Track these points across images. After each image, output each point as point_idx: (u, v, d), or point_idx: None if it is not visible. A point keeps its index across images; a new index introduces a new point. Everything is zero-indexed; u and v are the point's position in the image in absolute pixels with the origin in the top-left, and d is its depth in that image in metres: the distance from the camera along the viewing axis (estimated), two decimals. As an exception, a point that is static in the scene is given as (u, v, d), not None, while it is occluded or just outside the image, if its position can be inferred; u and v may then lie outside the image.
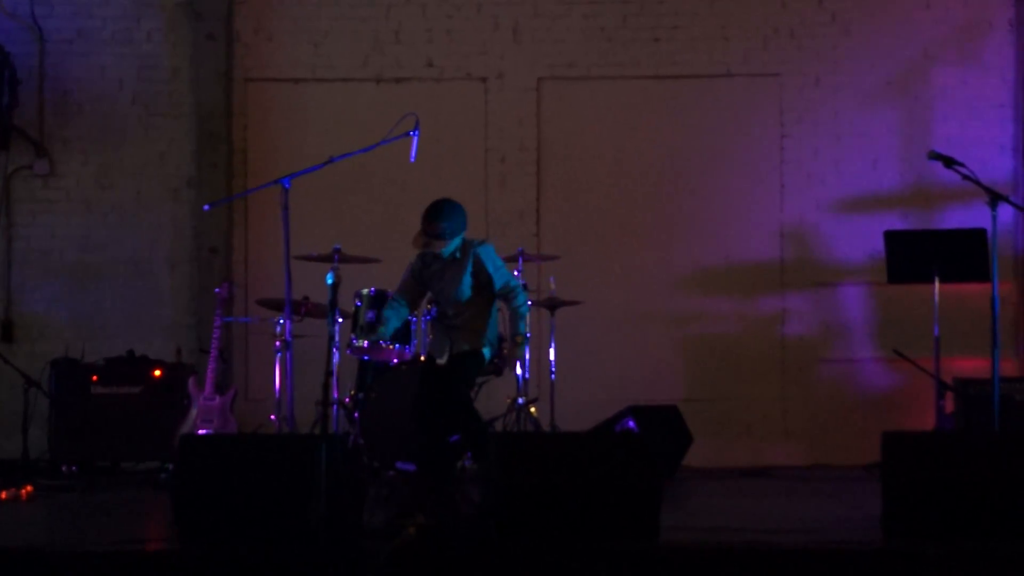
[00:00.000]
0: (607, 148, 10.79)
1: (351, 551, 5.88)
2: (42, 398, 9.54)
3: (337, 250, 8.69)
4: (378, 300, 8.74)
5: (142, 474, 9.32)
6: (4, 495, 7.97)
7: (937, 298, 8.98)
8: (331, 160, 7.74)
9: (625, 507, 6.06)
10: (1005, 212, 9.13)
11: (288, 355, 7.78)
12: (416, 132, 7.83)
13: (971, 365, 9.69)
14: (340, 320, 8.80)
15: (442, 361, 7.67)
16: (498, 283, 7.66)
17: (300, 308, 8.88)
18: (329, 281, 7.11)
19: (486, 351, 7.73)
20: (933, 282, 8.98)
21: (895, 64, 10.70)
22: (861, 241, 10.49)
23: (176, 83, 10.85)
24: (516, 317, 7.71)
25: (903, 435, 6.54)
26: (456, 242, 7.54)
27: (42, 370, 9.61)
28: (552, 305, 9.29)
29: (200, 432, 8.86)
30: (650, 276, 10.69)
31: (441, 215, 7.45)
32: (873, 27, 10.72)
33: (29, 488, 8.13)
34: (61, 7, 10.82)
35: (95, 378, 9.49)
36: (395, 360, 8.90)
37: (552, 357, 9.36)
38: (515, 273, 9.03)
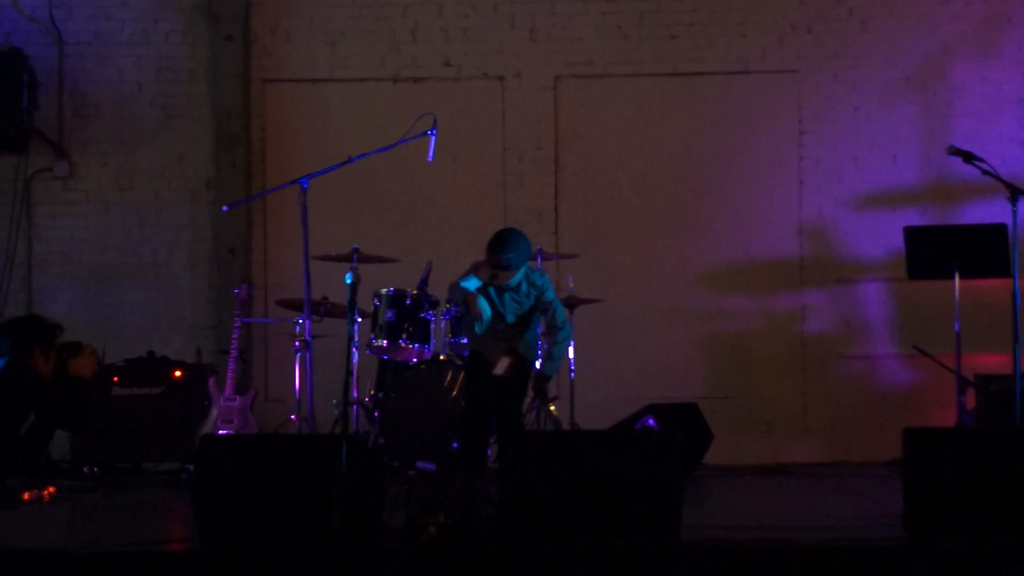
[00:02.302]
0: (625, 146, 10.78)
1: (371, 551, 5.88)
2: (63, 399, 9.56)
3: (356, 250, 8.70)
4: (397, 299, 8.76)
5: (163, 475, 9.34)
6: (27, 496, 7.99)
7: (957, 294, 8.93)
8: (349, 160, 7.74)
9: (646, 505, 6.05)
10: (1025, 207, 9.12)
11: (307, 355, 7.79)
12: (434, 132, 7.83)
13: (992, 361, 9.66)
14: (359, 320, 8.82)
15: (501, 372, 7.59)
16: (553, 318, 7.64)
17: (319, 308, 8.90)
18: (348, 281, 7.10)
19: (535, 361, 7.78)
20: (953, 278, 8.93)
21: (914, 59, 10.67)
22: (880, 237, 10.46)
23: (194, 85, 10.88)
24: (551, 359, 7.69)
25: (924, 431, 6.51)
26: (522, 272, 7.48)
27: (63, 372, 9.63)
28: (571, 304, 9.28)
29: (220, 432, 8.88)
30: (669, 274, 10.68)
31: (507, 246, 7.32)
32: (891, 22, 10.69)
33: (51, 489, 8.14)
34: (79, 10, 10.87)
35: (116, 379, 9.51)
36: (414, 360, 8.92)
37: (571, 355, 9.36)
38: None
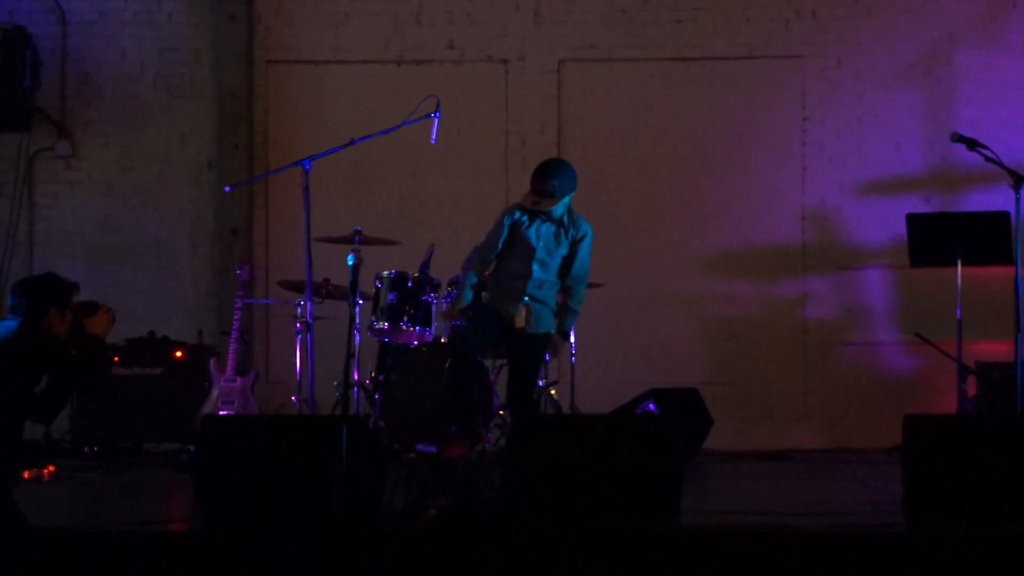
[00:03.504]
0: (628, 130, 10.76)
1: (371, 533, 5.89)
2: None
3: (358, 232, 8.70)
4: (399, 282, 8.76)
5: (163, 455, 9.35)
6: (27, 475, 7.99)
7: (960, 281, 8.92)
8: (352, 142, 7.73)
9: (646, 490, 6.06)
10: (1029, 195, 9.11)
11: (309, 337, 7.79)
12: (437, 114, 7.83)
13: (994, 349, 9.65)
14: (361, 302, 8.82)
15: (522, 324, 7.58)
16: (580, 270, 7.71)
17: (321, 290, 8.90)
18: (350, 263, 7.10)
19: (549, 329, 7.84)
20: (956, 265, 8.92)
21: (918, 46, 10.64)
22: (883, 224, 10.45)
23: (197, 65, 10.86)
24: (570, 313, 7.74)
25: (925, 418, 6.51)
26: (566, 201, 7.47)
27: (64, 351, 9.63)
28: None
29: (221, 413, 8.89)
30: (671, 259, 10.68)
31: (552, 173, 7.37)
32: (896, 8, 10.66)
33: (51, 468, 8.15)
34: (83, -11, 10.85)
35: (116, 359, 9.50)
36: (415, 342, 8.92)
37: (572, 340, 9.36)
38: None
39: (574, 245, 7.62)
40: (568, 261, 7.70)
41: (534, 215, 7.61)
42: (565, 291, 7.80)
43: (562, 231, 7.59)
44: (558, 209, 7.46)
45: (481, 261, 7.80)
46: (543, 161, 7.54)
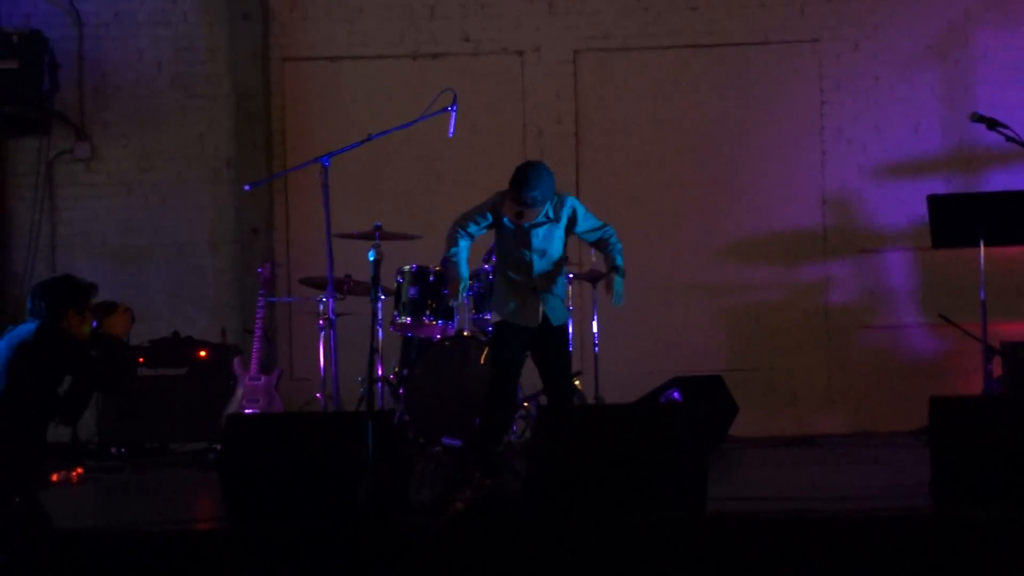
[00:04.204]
0: (645, 119, 10.74)
1: (399, 527, 5.90)
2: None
3: (378, 227, 8.70)
4: (420, 276, 8.77)
5: (190, 454, 9.39)
6: (55, 478, 8.00)
7: (982, 262, 8.87)
8: (370, 137, 7.74)
9: (672, 478, 6.05)
10: (1050, 173, 9.08)
11: (332, 333, 7.80)
12: (454, 107, 7.82)
13: (1018, 329, 9.62)
14: (383, 297, 8.82)
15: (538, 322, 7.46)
16: (598, 231, 7.53)
17: (342, 286, 8.91)
18: (371, 258, 7.11)
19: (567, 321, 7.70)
20: (978, 246, 8.87)
21: (935, 26, 10.59)
22: (904, 206, 10.40)
23: (213, 64, 10.88)
24: (616, 252, 7.53)
25: (951, 400, 6.50)
26: (549, 204, 7.33)
27: (88, 353, 9.66)
28: (594, 278, 9.26)
29: (246, 412, 8.91)
30: (692, 246, 10.65)
31: (531, 184, 7.13)
32: (912, -11, 10.63)
33: (79, 470, 8.19)
34: (98, -9, 10.88)
35: (141, 360, 9.54)
36: (438, 336, 8.93)
37: (595, 330, 9.35)
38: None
39: (571, 224, 7.47)
40: (580, 235, 7.59)
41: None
42: (605, 244, 7.59)
43: (550, 223, 7.41)
44: (541, 216, 7.31)
45: (462, 230, 7.47)
46: (519, 170, 7.22)
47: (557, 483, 6.07)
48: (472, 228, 7.42)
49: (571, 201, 7.41)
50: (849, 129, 10.62)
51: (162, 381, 9.55)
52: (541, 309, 7.36)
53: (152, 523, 6.26)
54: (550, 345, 7.44)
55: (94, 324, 6.12)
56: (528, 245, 7.33)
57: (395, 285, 8.88)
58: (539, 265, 7.36)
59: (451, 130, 7.87)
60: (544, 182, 7.18)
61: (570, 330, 8.67)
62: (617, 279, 7.48)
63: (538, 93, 10.75)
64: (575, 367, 9.14)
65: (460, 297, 7.53)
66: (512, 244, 7.38)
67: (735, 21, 10.67)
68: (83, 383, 5.99)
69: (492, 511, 6.01)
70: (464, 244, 7.43)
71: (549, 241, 7.36)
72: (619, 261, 7.51)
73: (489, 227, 7.44)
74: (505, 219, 7.31)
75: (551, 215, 7.31)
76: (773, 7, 10.65)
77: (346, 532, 5.86)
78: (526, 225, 7.28)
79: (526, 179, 7.14)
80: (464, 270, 7.41)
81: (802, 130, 10.65)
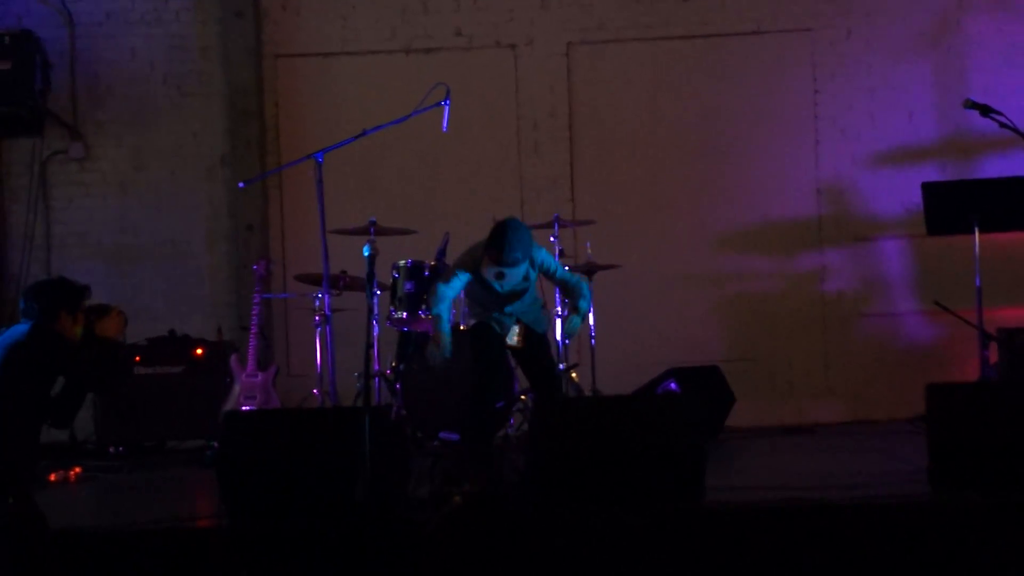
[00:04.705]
0: (639, 111, 10.74)
1: (397, 522, 5.90)
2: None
3: (373, 223, 8.71)
4: (415, 271, 8.77)
5: (188, 452, 9.38)
6: (53, 477, 8.04)
7: (977, 249, 8.87)
8: (363, 133, 7.74)
9: (670, 469, 6.05)
10: (1043, 159, 9.09)
11: (328, 329, 7.80)
12: (447, 102, 7.81)
13: (1015, 315, 9.63)
14: (378, 292, 8.83)
15: (514, 343, 7.54)
16: (569, 281, 7.61)
17: (338, 282, 8.90)
18: (366, 254, 7.10)
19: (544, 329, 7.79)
20: (973, 233, 8.87)
21: (928, 14, 10.59)
22: (899, 194, 10.41)
23: (206, 62, 10.87)
24: (581, 295, 7.56)
25: (948, 387, 6.49)
26: (527, 265, 7.30)
27: (85, 353, 9.67)
28: (589, 270, 9.27)
29: (243, 409, 8.91)
30: (687, 237, 10.66)
31: (512, 247, 7.10)
32: (904, -24, 10.62)
33: (77, 470, 8.20)
34: (89, -10, 10.87)
35: (138, 359, 9.55)
36: (434, 330, 8.91)
37: (592, 322, 9.35)
38: (551, 239, 9.05)
39: (544, 275, 7.54)
40: (555, 282, 7.68)
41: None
42: (570, 291, 7.67)
43: (525, 273, 7.43)
44: (521, 273, 7.32)
45: (445, 290, 7.48)
46: (497, 234, 7.12)
47: (555, 476, 6.07)
48: (455, 289, 7.47)
49: (541, 256, 7.42)
50: (843, 118, 10.63)
51: (159, 379, 9.55)
52: (518, 331, 7.41)
53: (151, 521, 6.24)
54: (535, 347, 7.50)
55: (86, 326, 6.13)
56: (503, 300, 7.44)
57: (391, 280, 8.88)
58: (512, 307, 7.48)
59: (445, 125, 7.87)
60: (524, 242, 7.18)
61: (558, 329, 8.74)
62: (575, 318, 7.58)
63: (531, 86, 10.75)
64: (572, 359, 9.16)
65: (444, 354, 7.50)
66: (485, 294, 7.42)
67: (727, 11, 10.68)
68: (75, 385, 6.00)
69: (490, 505, 6.01)
70: (447, 306, 7.46)
71: (524, 291, 7.45)
72: (582, 305, 7.59)
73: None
74: (486, 277, 7.32)
75: (530, 276, 7.34)
76: (765, -4, 10.66)
77: (344, 528, 5.86)
78: (506, 288, 7.34)
79: (508, 243, 7.11)
80: (447, 328, 7.42)
81: (796, 119, 10.66)
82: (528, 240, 7.25)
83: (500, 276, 7.25)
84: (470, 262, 7.35)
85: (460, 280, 7.41)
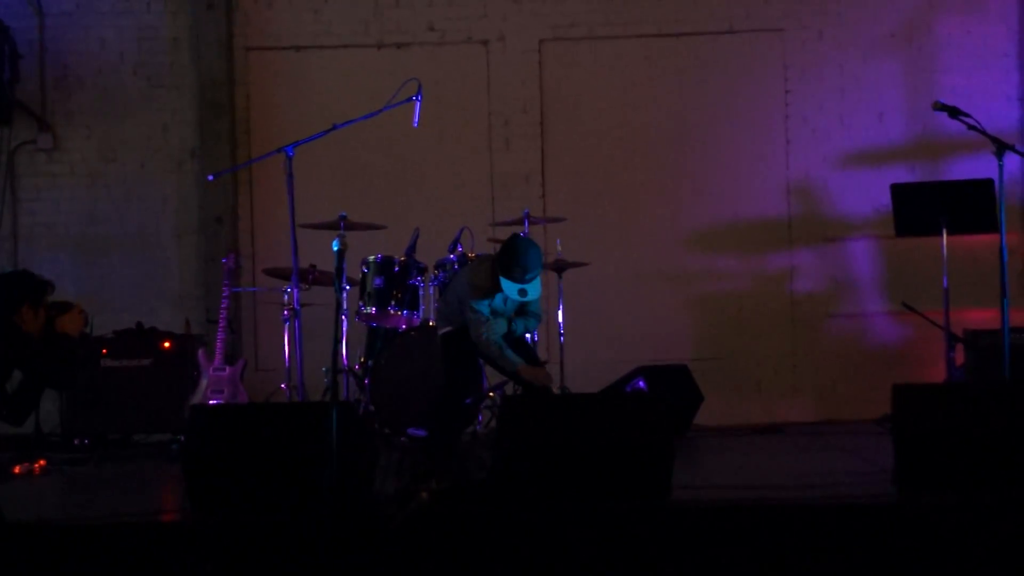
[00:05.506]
0: (611, 108, 10.75)
1: (363, 518, 5.88)
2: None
3: (343, 217, 8.69)
4: (385, 266, 8.75)
5: (154, 446, 9.34)
6: (18, 469, 7.99)
7: (945, 250, 8.92)
8: (334, 127, 7.71)
9: (637, 467, 6.05)
10: (1012, 162, 9.14)
11: (296, 324, 7.77)
12: (419, 97, 7.81)
13: (981, 316, 9.69)
14: (347, 287, 8.82)
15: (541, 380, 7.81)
16: (535, 308, 7.96)
17: (307, 276, 8.88)
18: (335, 248, 7.07)
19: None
20: (941, 234, 8.92)
21: (898, 15, 10.64)
22: (868, 195, 10.46)
23: (177, 54, 10.82)
24: (526, 322, 7.97)
25: (914, 388, 6.51)
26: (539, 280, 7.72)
27: (51, 344, 9.60)
28: (559, 267, 9.27)
29: (210, 403, 8.87)
30: (657, 236, 10.67)
31: (534, 263, 7.54)
32: (876, -23, 10.66)
33: (42, 462, 8.14)
34: (59, -21, 10.80)
35: (104, 351, 9.48)
36: (404, 326, 8.91)
37: (560, 319, 9.35)
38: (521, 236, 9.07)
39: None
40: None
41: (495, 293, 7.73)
42: (523, 316, 8.00)
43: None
44: (538, 289, 7.62)
45: (495, 335, 7.76)
46: (520, 253, 7.53)
47: (522, 472, 6.07)
48: (490, 321, 7.70)
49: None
50: (813, 118, 10.66)
51: (126, 372, 9.49)
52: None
53: (116, 514, 6.21)
54: (514, 344, 7.62)
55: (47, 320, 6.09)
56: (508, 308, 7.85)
57: (360, 275, 8.86)
58: (516, 324, 7.91)
59: (415, 120, 7.86)
60: (539, 254, 7.63)
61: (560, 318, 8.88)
62: (518, 321, 7.93)
63: (503, 82, 10.74)
64: (541, 356, 9.15)
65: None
66: (493, 310, 7.78)
67: (700, 10, 10.69)
68: (32, 379, 5.95)
69: (457, 501, 6.00)
70: (498, 337, 7.69)
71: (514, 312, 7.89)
72: (518, 327, 7.91)
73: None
74: (510, 296, 7.64)
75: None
76: (738, -4, 10.68)
77: (310, 523, 5.84)
78: (502, 308, 7.77)
79: (530, 260, 7.51)
80: (512, 354, 7.69)
81: (767, 119, 10.69)
82: (539, 251, 7.64)
83: (523, 293, 7.57)
84: (488, 289, 7.66)
85: (487, 309, 7.70)
